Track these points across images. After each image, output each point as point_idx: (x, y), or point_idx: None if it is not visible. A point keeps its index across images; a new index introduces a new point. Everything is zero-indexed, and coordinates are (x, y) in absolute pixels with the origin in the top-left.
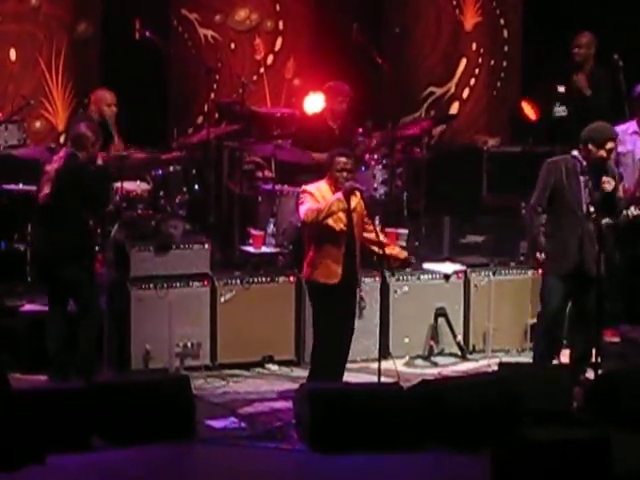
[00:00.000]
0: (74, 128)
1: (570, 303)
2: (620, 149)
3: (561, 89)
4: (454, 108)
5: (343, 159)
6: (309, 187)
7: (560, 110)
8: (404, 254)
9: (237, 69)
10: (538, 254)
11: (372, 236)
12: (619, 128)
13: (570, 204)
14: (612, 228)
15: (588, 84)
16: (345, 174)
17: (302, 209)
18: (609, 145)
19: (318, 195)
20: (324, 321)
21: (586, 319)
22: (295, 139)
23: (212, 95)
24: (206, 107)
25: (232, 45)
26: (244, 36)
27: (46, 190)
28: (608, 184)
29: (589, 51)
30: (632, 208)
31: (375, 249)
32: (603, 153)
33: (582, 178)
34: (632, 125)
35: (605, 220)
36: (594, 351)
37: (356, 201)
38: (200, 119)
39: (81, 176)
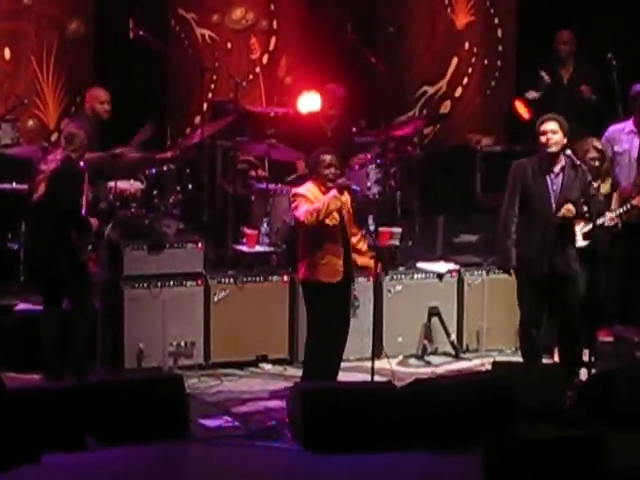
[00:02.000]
0: (65, 127)
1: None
2: (616, 148)
3: (546, 77)
4: (445, 107)
5: (328, 156)
6: (299, 190)
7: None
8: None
9: (233, 69)
10: (507, 269)
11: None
12: (616, 127)
13: (538, 205)
14: (607, 228)
15: (579, 81)
16: (332, 169)
17: (299, 212)
18: (543, 127)
19: (310, 196)
20: (322, 322)
21: (569, 320)
22: (285, 138)
23: (210, 95)
24: (204, 107)
25: (229, 45)
26: (240, 36)
27: (41, 190)
28: (567, 211)
29: (573, 47)
30: (625, 206)
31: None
32: (542, 139)
33: (549, 177)
34: (628, 124)
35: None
36: (587, 351)
37: (344, 200)
38: (197, 119)
39: (76, 179)
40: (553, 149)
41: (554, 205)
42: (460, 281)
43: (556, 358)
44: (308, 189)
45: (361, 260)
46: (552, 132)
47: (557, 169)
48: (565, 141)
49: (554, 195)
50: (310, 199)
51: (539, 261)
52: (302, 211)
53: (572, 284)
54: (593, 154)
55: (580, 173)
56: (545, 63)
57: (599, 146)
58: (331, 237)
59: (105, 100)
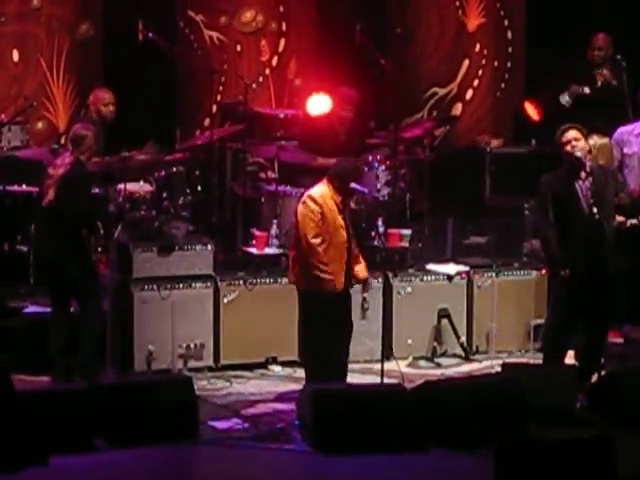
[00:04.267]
0: (72, 130)
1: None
2: (625, 150)
3: (586, 90)
4: (457, 109)
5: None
6: (316, 194)
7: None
8: (364, 274)
9: (243, 71)
10: (563, 271)
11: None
12: (624, 129)
13: (572, 212)
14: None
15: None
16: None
17: (309, 228)
18: (565, 137)
19: (325, 207)
20: (322, 332)
21: (601, 324)
22: (300, 141)
23: (219, 97)
24: (213, 109)
25: (238, 47)
26: (250, 38)
27: (51, 195)
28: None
29: (608, 52)
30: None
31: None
32: (567, 147)
33: (578, 183)
34: (638, 126)
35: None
36: (600, 354)
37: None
38: (207, 121)
39: (87, 181)
40: (579, 155)
41: (587, 209)
42: (470, 283)
43: (566, 360)
44: (322, 196)
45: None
46: (575, 140)
47: (583, 174)
48: (588, 147)
49: (585, 200)
50: (323, 214)
51: (578, 266)
52: (312, 233)
53: (611, 288)
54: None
55: (611, 175)
56: (575, 73)
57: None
58: (336, 248)
59: (110, 102)
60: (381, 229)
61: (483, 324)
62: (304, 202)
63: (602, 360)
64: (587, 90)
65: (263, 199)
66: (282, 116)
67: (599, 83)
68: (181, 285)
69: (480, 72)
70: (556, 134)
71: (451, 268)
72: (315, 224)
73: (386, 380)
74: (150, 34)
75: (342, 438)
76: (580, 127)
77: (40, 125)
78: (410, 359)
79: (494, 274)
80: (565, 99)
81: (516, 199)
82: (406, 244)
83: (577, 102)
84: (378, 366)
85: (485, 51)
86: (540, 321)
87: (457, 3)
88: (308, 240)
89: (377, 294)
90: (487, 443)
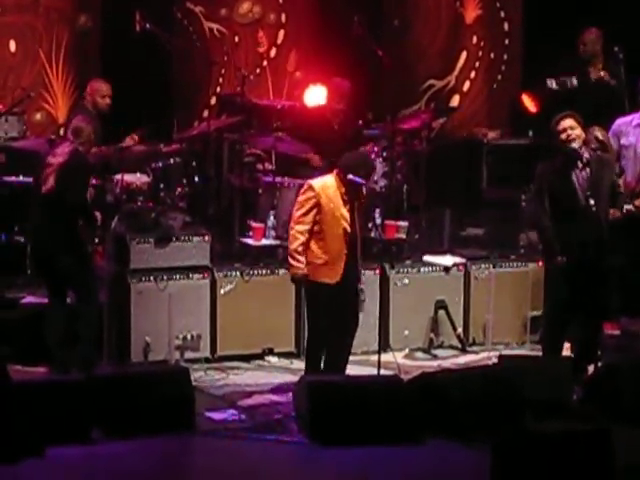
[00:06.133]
0: (71, 122)
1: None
2: (622, 141)
3: (574, 81)
4: (454, 101)
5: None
6: (316, 183)
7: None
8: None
9: (241, 62)
10: (560, 258)
11: None
12: (623, 120)
13: (567, 202)
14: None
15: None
16: None
17: (296, 214)
18: (561, 125)
19: (323, 197)
20: (325, 322)
21: (592, 314)
22: (293, 131)
23: (218, 88)
24: (212, 100)
25: (236, 38)
26: (247, 29)
27: (50, 183)
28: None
29: (595, 47)
30: (625, 205)
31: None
32: (562, 136)
33: (575, 172)
34: (636, 117)
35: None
36: (596, 346)
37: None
38: (206, 112)
39: (85, 172)
40: (575, 144)
41: (583, 200)
42: (467, 274)
43: (563, 352)
44: (325, 185)
45: None
46: (571, 128)
47: (580, 164)
48: (584, 135)
49: (582, 190)
50: (320, 201)
51: (570, 254)
52: (298, 215)
53: (604, 278)
54: (594, 145)
55: (607, 164)
56: (570, 67)
57: (600, 136)
58: (334, 238)
59: (107, 94)
60: (378, 221)
61: (480, 316)
62: (302, 189)
63: (599, 352)
64: (574, 82)
65: (260, 190)
66: (279, 107)
67: (593, 79)
68: (178, 276)
69: (477, 64)
70: (551, 123)
71: (448, 260)
72: (305, 211)
73: (382, 372)
74: (147, 25)
75: (338, 429)
76: (576, 115)
77: (39, 116)
78: (407, 351)
79: (491, 266)
80: (552, 83)
81: (513, 191)
82: (403, 236)
83: (567, 99)
84: (375, 358)
85: (482, 43)
86: (537, 313)
87: None
88: (291, 225)
89: (374, 286)
90: (483, 435)
